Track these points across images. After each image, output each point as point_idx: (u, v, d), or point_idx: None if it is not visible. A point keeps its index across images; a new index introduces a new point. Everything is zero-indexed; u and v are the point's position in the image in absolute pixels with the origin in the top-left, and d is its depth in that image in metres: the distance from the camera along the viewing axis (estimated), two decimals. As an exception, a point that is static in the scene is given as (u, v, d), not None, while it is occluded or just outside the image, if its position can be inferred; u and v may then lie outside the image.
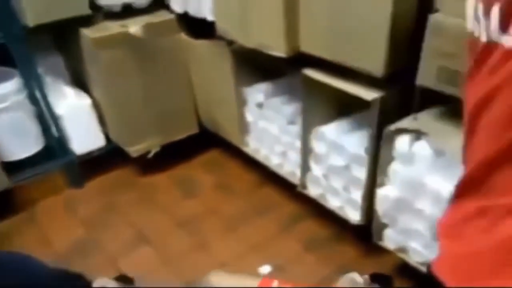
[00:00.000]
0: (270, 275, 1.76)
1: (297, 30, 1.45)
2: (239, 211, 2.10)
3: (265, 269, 1.80)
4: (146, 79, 2.01)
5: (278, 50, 1.50)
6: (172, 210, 2.14)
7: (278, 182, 2.10)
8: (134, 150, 2.15)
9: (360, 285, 1.41)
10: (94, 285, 1.51)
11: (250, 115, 2.04)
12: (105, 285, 1.51)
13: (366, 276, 1.46)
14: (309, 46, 1.47)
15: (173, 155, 2.40)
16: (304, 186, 1.87)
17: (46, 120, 2.06)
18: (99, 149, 2.23)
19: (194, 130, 2.30)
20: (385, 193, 1.46)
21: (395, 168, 1.40)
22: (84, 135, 2.14)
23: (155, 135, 2.19)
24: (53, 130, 2.08)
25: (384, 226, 1.58)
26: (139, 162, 2.32)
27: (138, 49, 1.91)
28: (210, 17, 1.78)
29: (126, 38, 1.83)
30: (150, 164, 2.33)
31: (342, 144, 1.60)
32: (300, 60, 1.57)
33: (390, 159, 1.41)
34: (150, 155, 2.22)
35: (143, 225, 2.06)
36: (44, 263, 1.42)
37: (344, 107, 1.73)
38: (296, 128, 1.80)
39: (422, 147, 1.31)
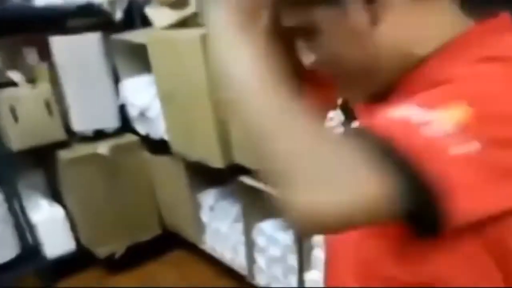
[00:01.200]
0: None
1: (230, 144, 1.82)
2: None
3: None
4: (112, 190, 2.35)
5: (215, 162, 1.87)
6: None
7: (234, 275, 2.34)
8: (103, 252, 2.39)
9: None
10: None
11: (204, 216, 2.34)
12: None
13: None
14: (241, 157, 1.83)
15: (140, 255, 2.63)
16: (252, 276, 2.13)
17: (22, 229, 2.31)
18: (70, 253, 2.46)
19: (157, 231, 2.58)
20: (311, 277, 1.74)
21: (316, 254, 1.70)
22: (56, 240, 2.39)
23: (122, 238, 2.46)
24: (28, 238, 2.32)
25: (317, 307, 1.83)
26: (107, 263, 2.54)
27: (106, 166, 2.27)
28: (165, 137, 2.17)
29: (95, 158, 2.20)
30: (117, 264, 2.54)
31: (276, 237, 1.90)
32: (239, 168, 1.93)
33: (311, 247, 1.72)
34: (117, 255, 2.46)
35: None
36: None
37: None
38: (241, 226, 2.11)
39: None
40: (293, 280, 1.91)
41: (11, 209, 2.27)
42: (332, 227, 0.41)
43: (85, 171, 2.19)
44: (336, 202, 0.38)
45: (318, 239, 1.69)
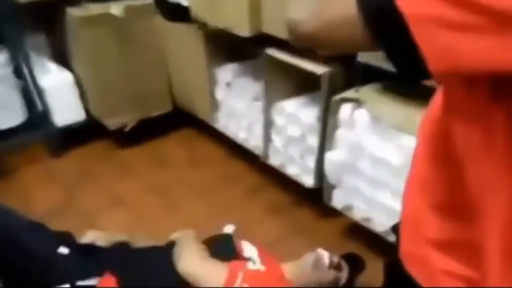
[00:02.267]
0: (234, 234, 1.97)
1: (259, 12, 1.68)
2: (208, 181, 2.32)
3: (229, 228, 2.01)
4: (124, 58, 2.21)
5: (242, 30, 1.73)
6: (145, 178, 2.34)
7: (245, 155, 2.33)
8: (112, 123, 2.34)
9: (324, 266, 1.47)
10: (84, 239, 1.60)
11: (219, 93, 2.26)
12: (94, 240, 1.58)
13: (335, 258, 1.50)
14: (269, 27, 1.70)
15: (149, 131, 2.60)
16: (267, 156, 2.11)
17: (31, 94, 2.22)
18: (79, 123, 2.41)
19: (168, 108, 2.51)
20: (332, 157, 1.71)
21: (340, 134, 1.65)
22: (65, 108, 2.32)
23: (132, 111, 2.39)
24: (37, 103, 2.25)
25: (332, 187, 1.83)
26: (116, 135, 2.51)
27: (118, 29, 2.11)
28: (184, 2, 1.99)
29: (107, 19, 2.03)
30: (126, 138, 2.52)
31: (298, 115, 1.84)
32: (265, 41, 1.80)
33: (337, 126, 1.66)
34: (127, 128, 2.41)
35: (118, 190, 2.25)
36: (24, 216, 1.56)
37: (304, 86, 1.97)
38: (260, 105, 2.03)
39: (362, 114, 1.56)
40: (310, 161, 1.89)
41: (18, 71, 2.16)
42: (309, 36, 0.52)
43: (96, 33, 2.03)
44: (309, 17, 0.50)
45: (344, 119, 1.63)
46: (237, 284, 1.30)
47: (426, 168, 0.70)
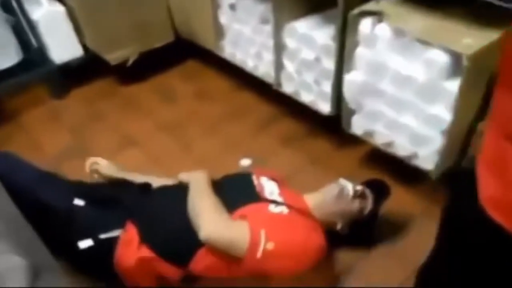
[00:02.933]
0: (251, 167, 1.90)
1: None
2: (218, 114, 2.22)
3: (245, 162, 1.94)
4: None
5: None
6: (154, 115, 2.24)
7: (255, 85, 2.21)
8: (113, 58, 2.20)
9: (348, 196, 1.42)
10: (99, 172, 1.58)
11: (224, 18, 2.08)
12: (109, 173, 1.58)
13: (359, 187, 1.45)
14: None
15: (152, 65, 2.46)
16: (279, 84, 1.97)
17: (24, 32, 2.08)
18: (78, 59, 2.28)
19: (170, 38, 2.35)
20: (352, 78, 1.58)
21: (360, 53, 1.51)
22: (61, 44, 2.18)
23: (132, 43, 2.24)
24: (32, 40, 2.10)
25: (352, 113, 1.71)
26: (119, 71, 2.38)
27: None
28: None
29: None
30: (130, 74, 2.39)
31: (311, 36, 1.68)
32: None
33: (355, 44, 1.51)
34: (129, 63, 2.28)
35: (128, 129, 2.16)
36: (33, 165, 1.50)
37: (318, 3, 1.79)
38: (269, 28, 1.87)
39: (383, 29, 1.41)
40: (326, 86, 1.76)
41: (6, 5, 1.99)
42: None
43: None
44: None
45: (364, 35, 1.48)
46: (261, 246, 1.24)
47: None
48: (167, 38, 2.34)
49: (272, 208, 1.36)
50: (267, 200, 1.39)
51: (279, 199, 1.42)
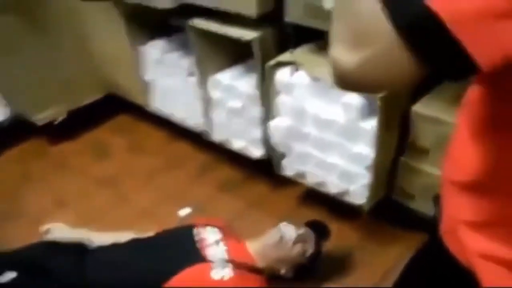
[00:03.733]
0: (190, 216, 1.88)
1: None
2: (153, 166, 2.19)
3: (184, 211, 1.92)
4: (40, 45, 2.01)
5: (162, 1, 1.57)
6: (88, 173, 2.18)
7: (188, 135, 2.21)
8: (39, 118, 2.14)
9: (291, 237, 1.44)
10: (49, 236, 1.50)
11: (150, 73, 2.10)
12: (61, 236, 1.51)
13: (301, 231, 1.47)
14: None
15: (82, 121, 2.41)
16: (209, 134, 2.00)
17: None
18: (4, 121, 2.18)
19: (98, 94, 2.32)
20: (277, 124, 1.63)
21: (281, 100, 1.57)
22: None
23: (59, 102, 2.20)
24: None
25: (282, 156, 1.76)
26: (47, 131, 2.31)
27: (26, 15, 1.89)
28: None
29: (12, 5, 1.81)
30: (59, 132, 2.32)
31: (235, 86, 1.73)
32: (191, 11, 1.66)
33: (277, 92, 1.57)
34: (57, 122, 2.22)
35: (61, 189, 2.08)
36: None
37: (239, 55, 1.85)
38: (195, 80, 1.90)
39: (301, 77, 1.48)
40: (256, 132, 1.80)
41: None
42: (355, 81, 0.48)
43: (2, 21, 1.83)
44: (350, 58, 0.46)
45: (283, 84, 1.54)
46: None
47: (464, 147, 0.66)
48: (96, 94, 2.32)
49: (214, 274, 1.34)
50: (208, 260, 1.37)
51: (223, 253, 1.41)
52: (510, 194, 0.59)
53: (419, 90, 1.49)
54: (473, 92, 0.63)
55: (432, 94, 1.47)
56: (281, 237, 1.45)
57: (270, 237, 1.47)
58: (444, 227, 0.75)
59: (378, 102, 1.34)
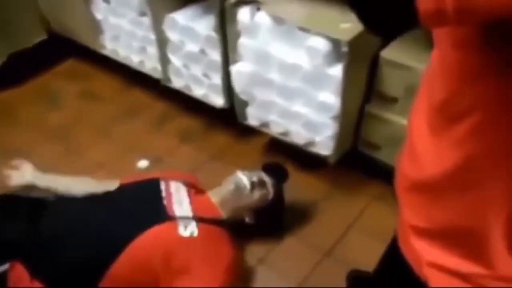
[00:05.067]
0: (149, 168, 1.78)
1: None
2: (109, 116, 2.04)
3: (143, 163, 1.81)
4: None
5: None
6: (38, 123, 2.00)
7: (144, 83, 2.06)
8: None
9: (245, 188, 1.39)
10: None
11: (99, 13, 1.90)
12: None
13: (255, 178, 1.41)
14: None
15: (28, 67, 2.19)
16: (167, 79, 1.85)
17: None
18: None
19: (41, 36, 2.10)
20: (239, 69, 1.50)
21: (243, 42, 1.44)
22: None
23: (-1, 44, 1.97)
24: None
25: (245, 104, 1.65)
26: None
27: None
28: None
29: None
30: (1, 79, 2.11)
31: (193, 28, 1.57)
32: None
33: (238, 34, 1.44)
34: (-3, 66, 2.01)
35: (9, 141, 1.91)
36: None
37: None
38: (149, 20, 1.73)
39: (262, 17, 1.34)
40: (216, 79, 1.67)
41: None
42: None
43: None
44: None
45: (244, 25, 1.40)
46: None
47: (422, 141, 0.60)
48: (38, 36, 2.09)
49: (182, 231, 1.27)
50: (175, 218, 1.30)
51: (189, 209, 1.34)
52: (463, 198, 0.55)
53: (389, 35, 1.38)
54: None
55: (402, 39, 1.37)
56: (236, 186, 1.40)
57: (225, 186, 1.42)
58: (399, 233, 0.71)
59: (344, 47, 1.24)
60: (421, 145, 0.60)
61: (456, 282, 0.60)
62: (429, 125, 0.57)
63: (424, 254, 0.63)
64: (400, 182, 0.67)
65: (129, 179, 1.52)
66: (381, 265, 0.94)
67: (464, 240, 0.58)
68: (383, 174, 1.65)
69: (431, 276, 0.62)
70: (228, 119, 1.84)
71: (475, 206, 0.55)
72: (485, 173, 0.52)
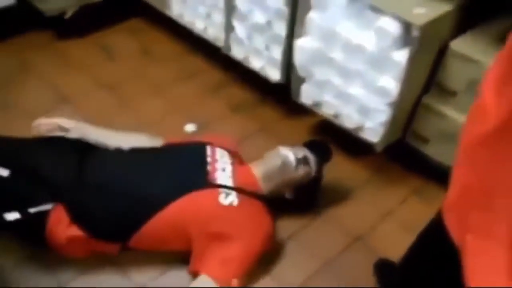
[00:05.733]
0: (195, 133, 1.83)
1: None
2: (164, 76, 2.11)
3: (190, 127, 1.86)
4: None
5: None
6: (94, 72, 2.09)
7: (204, 49, 2.11)
8: (48, 8, 2.02)
9: (291, 164, 1.40)
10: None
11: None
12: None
13: (300, 154, 1.42)
14: None
15: (93, 20, 2.28)
16: (228, 48, 1.90)
17: None
18: (9, 6, 2.05)
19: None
20: (303, 44, 1.53)
21: (312, 17, 1.46)
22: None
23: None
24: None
25: (301, 81, 1.67)
26: (56, 24, 2.19)
27: None
28: None
29: None
30: (68, 28, 2.21)
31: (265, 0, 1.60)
32: None
33: (308, 8, 1.46)
34: (67, 16, 2.10)
35: (63, 85, 2.00)
36: None
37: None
38: (220, -14, 1.77)
39: (337, -7, 1.37)
40: (277, 53, 1.70)
41: None
42: None
43: None
44: None
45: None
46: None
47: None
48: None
49: (222, 199, 1.31)
50: (216, 186, 1.34)
51: (230, 179, 1.38)
52: None
53: (464, 25, 1.37)
54: None
55: (474, 31, 1.36)
56: (283, 162, 1.41)
57: (271, 161, 1.43)
58: (447, 202, 0.71)
59: (415, 32, 1.24)
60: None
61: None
62: None
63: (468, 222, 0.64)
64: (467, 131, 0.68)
65: (174, 139, 1.58)
66: (410, 253, 0.94)
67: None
68: (426, 169, 1.66)
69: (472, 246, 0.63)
70: (281, 95, 1.88)
71: None
72: None
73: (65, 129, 1.47)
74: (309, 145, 1.50)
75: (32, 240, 1.35)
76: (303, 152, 1.44)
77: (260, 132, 1.88)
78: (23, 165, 1.31)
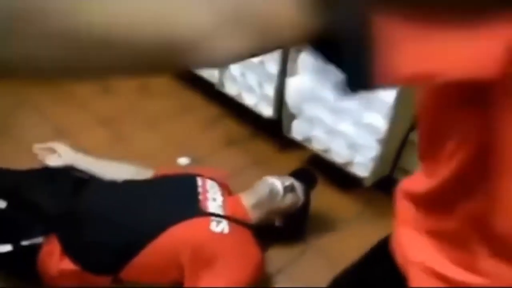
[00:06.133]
0: (188, 166, 1.87)
1: None
2: (160, 110, 2.16)
3: (184, 160, 1.90)
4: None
5: None
6: (91, 106, 2.14)
7: (200, 85, 2.17)
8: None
9: (279, 192, 1.45)
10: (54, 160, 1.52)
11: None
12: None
13: (287, 182, 1.48)
14: None
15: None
16: (222, 84, 1.96)
17: None
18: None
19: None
20: (295, 83, 1.59)
21: (304, 57, 1.53)
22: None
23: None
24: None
25: (292, 117, 1.73)
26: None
27: None
28: None
29: None
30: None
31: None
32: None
33: (300, 49, 1.53)
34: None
35: (61, 121, 2.04)
36: None
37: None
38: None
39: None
40: (269, 90, 1.77)
41: None
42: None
43: None
44: None
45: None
46: None
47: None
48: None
49: (214, 226, 1.34)
50: (208, 214, 1.37)
51: (220, 209, 1.41)
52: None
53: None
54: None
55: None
56: (271, 190, 1.45)
57: (259, 191, 1.47)
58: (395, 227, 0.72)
59: (402, 74, 1.30)
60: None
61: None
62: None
63: (414, 251, 0.64)
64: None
65: (164, 171, 1.61)
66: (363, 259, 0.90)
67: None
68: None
69: (416, 277, 0.63)
70: (273, 130, 1.93)
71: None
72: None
73: (58, 153, 1.54)
74: (295, 175, 1.56)
75: (21, 272, 1.35)
76: (289, 180, 1.50)
77: (253, 166, 1.92)
78: (20, 197, 1.33)
